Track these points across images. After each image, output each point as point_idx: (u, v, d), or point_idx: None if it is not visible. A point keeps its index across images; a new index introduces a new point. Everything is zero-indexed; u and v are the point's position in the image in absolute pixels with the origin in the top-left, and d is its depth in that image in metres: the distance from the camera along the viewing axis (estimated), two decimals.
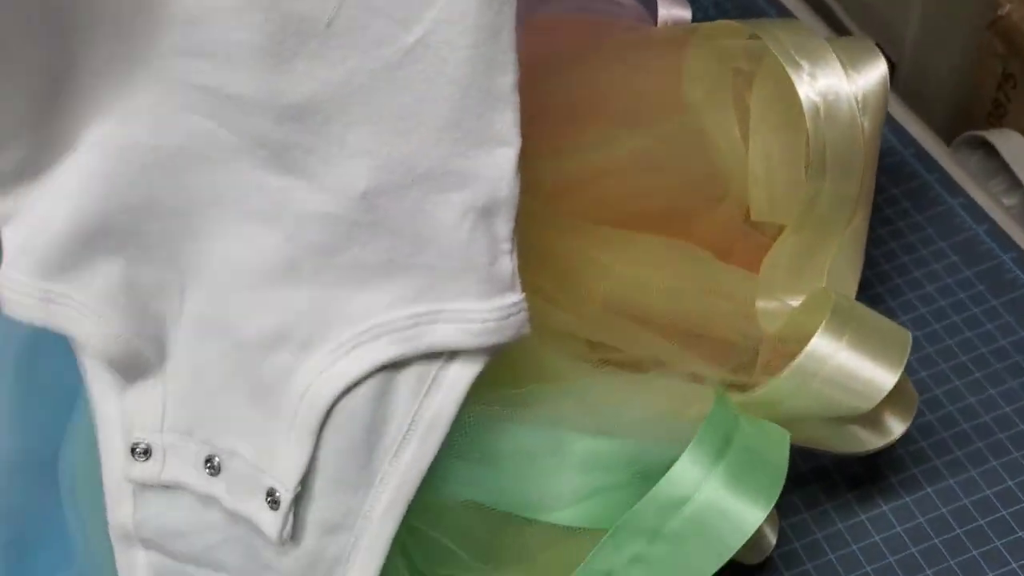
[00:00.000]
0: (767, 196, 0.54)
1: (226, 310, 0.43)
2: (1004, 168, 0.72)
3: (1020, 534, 0.54)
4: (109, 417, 0.44)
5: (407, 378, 0.42)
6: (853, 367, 0.48)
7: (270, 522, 0.42)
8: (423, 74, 0.38)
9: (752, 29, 0.54)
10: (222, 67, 0.40)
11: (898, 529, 0.56)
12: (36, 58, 0.40)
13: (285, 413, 0.42)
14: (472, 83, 0.38)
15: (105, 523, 0.46)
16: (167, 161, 0.42)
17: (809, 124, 0.51)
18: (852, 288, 0.55)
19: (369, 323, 0.41)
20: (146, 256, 0.43)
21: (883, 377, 0.48)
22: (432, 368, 0.42)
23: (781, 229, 0.54)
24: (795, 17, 0.76)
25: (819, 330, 0.48)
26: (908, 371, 0.50)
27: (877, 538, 0.55)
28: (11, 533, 0.55)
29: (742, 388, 0.50)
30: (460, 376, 0.42)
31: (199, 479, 0.43)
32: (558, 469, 0.45)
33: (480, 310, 0.41)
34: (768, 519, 0.46)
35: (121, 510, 0.45)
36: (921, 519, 0.56)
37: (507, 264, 0.41)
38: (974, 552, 0.54)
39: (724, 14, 0.78)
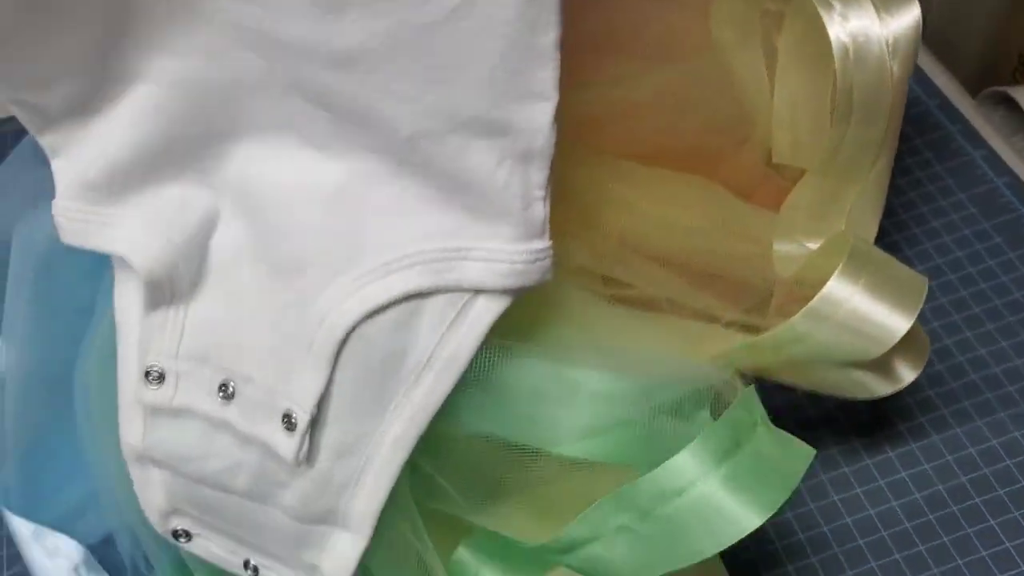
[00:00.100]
0: (790, 139, 0.53)
1: (266, 235, 0.43)
2: None
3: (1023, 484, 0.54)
4: (129, 339, 0.44)
5: (430, 311, 0.41)
6: (867, 311, 0.47)
7: (286, 444, 0.42)
8: (468, 31, 0.37)
9: None
10: (273, 13, 0.39)
11: (903, 474, 0.55)
12: (97, 2, 0.40)
13: (305, 337, 0.41)
14: (515, 41, 0.37)
15: (116, 440, 0.46)
16: (221, 92, 0.42)
17: (837, 66, 0.50)
18: (872, 233, 0.54)
19: (401, 252, 0.41)
20: (197, 180, 0.43)
21: (897, 322, 0.47)
22: (456, 304, 0.41)
23: (802, 173, 0.53)
24: None
25: (835, 273, 0.47)
26: (920, 320, 0.49)
27: (881, 482, 0.55)
28: (26, 446, 0.56)
29: (755, 330, 0.49)
30: (482, 315, 0.41)
31: (211, 405, 0.43)
32: (568, 404, 0.44)
33: (510, 252, 0.41)
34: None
35: (132, 431, 0.45)
36: (926, 465, 0.56)
37: (539, 211, 0.41)
38: (977, 500, 0.54)
39: None
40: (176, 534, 0.47)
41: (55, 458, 0.54)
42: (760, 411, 0.44)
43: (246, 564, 0.47)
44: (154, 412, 0.44)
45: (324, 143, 0.42)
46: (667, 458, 0.42)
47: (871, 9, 0.50)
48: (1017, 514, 0.53)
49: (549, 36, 0.38)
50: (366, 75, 0.39)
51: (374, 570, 0.46)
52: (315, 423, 0.42)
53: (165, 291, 0.43)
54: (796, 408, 0.59)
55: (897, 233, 0.65)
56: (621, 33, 0.53)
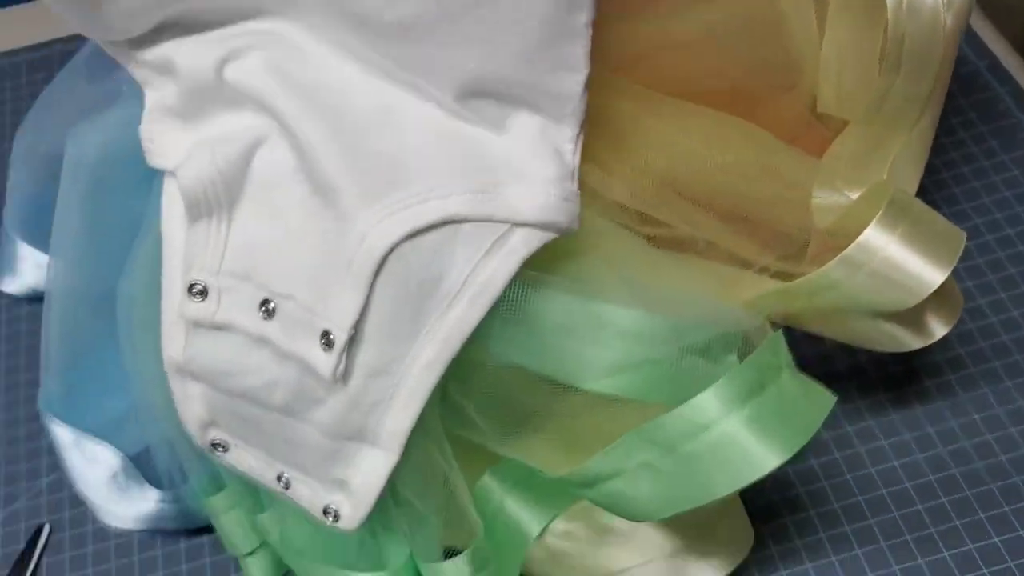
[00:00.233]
0: (836, 89, 0.52)
1: (310, 155, 0.42)
2: None
3: None
4: (174, 254, 0.44)
5: (467, 239, 0.41)
6: (902, 261, 0.46)
7: (324, 362, 0.42)
8: (510, 9, 0.39)
9: None
10: None
11: (929, 430, 0.55)
12: None
13: (345, 257, 0.41)
14: (552, 19, 0.39)
15: (157, 353, 0.46)
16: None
17: (890, 15, 0.48)
18: (913, 187, 0.52)
19: (442, 180, 0.41)
20: (254, 108, 0.43)
21: (931, 274, 0.46)
22: (493, 234, 0.41)
23: (846, 123, 0.52)
24: None
25: (873, 221, 0.46)
26: (955, 278, 0.48)
27: (907, 435, 0.55)
28: (70, 356, 0.57)
29: (788, 277, 0.48)
30: (518, 247, 0.41)
31: (253, 321, 0.43)
32: (597, 340, 0.44)
33: (544, 187, 0.42)
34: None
35: (173, 345, 0.45)
36: (952, 421, 0.55)
37: (569, 159, 0.43)
38: (1002, 457, 0.54)
39: None
40: (214, 445, 0.47)
41: (98, 369, 0.55)
42: (786, 355, 0.44)
43: (279, 477, 0.47)
44: (196, 326, 0.44)
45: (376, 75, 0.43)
46: (690, 398, 0.42)
47: None
48: None
49: (583, 16, 0.40)
50: (413, 45, 0.42)
51: (401, 490, 0.46)
52: (351, 342, 0.42)
53: (205, 209, 0.43)
54: (825, 359, 0.58)
55: (936, 192, 0.64)
56: None
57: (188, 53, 0.44)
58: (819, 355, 0.58)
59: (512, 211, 0.41)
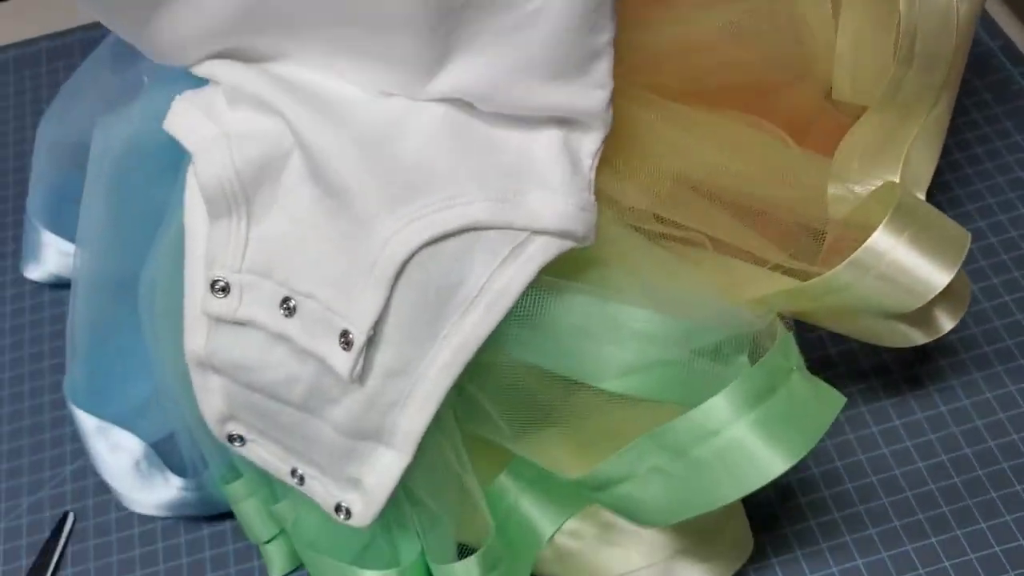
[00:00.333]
0: (850, 77, 0.51)
1: (327, 164, 0.42)
2: None
3: None
4: (196, 248, 0.44)
5: (485, 246, 0.41)
6: (909, 264, 0.46)
7: (343, 361, 0.42)
8: (538, 33, 0.40)
9: None
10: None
11: (942, 409, 0.55)
12: None
13: (366, 259, 0.41)
14: (577, 41, 0.41)
15: (176, 343, 0.46)
16: None
17: (902, 9, 0.48)
18: (928, 176, 0.52)
19: (464, 187, 0.41)
20: (272, 110, 0.43)
21: (937, 277, 0.46)
22: (512, 242, 0.41)
23: (861, 108, 0.52)
24: None
25: (881, 225, 0.46)
26: (971, 259, 0.48)
27: (920, 415, 0.55)
28: (95, 347, 0.57)
29: (801, 275, 0.48)
30: (534, 255, 0.42)
31: (273, 318, 0.43)
32: (611, 341, 0.44)
33: (562, 197, 0.42)
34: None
35: (195, 339, 0.45)
36: (965, 401, 0.55)
37: (587, 171, 0.43)
38: (1015, 436, 0.54)
39: None
40: (231, 438, 0.47)
41: (122, 357, 0.55)
42: (796, 357, 0.44)
43: (293, 472, 0.47)
44: (218, 321, 0.44)
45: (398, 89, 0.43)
46: (704, 398, 0.42)
47: None
48: None
49: (605, 36, 0.41)
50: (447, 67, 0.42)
51: (415, 490, 0.46)
52: (370, 343, 0.42)
53: (224, 208, 0.43)
54: (828, 364, 0.58)
55: (950, 172, 0.63)
56: None
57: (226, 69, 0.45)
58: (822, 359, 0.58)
59: (532, 219, 0.42)
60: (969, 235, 0.48)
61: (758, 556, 0.52)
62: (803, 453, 0.41)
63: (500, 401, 0.45)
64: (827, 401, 0.43)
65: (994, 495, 0.52)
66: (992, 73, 0.67)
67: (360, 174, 0.41)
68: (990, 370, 0.56)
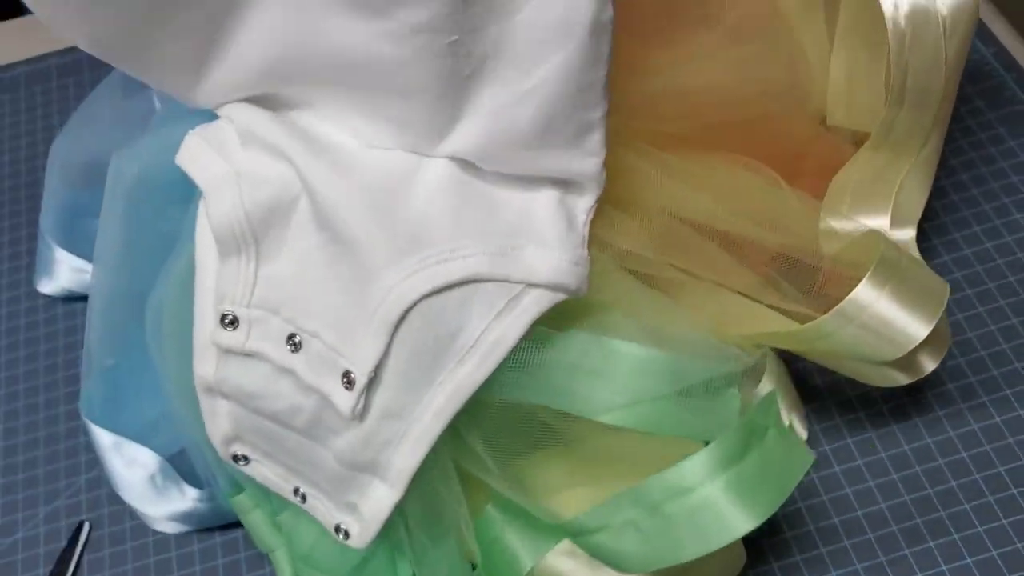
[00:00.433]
0: (844, 104, 0.52)
1: (335, 214, 0.43)
2: None
3: None
4: (207, 280, 0.46)
5: (482, 298, 0.42)
6: (890, 316, 0.48)
7: (345, 400, 0.43)
8: (532, 110, 0.42)
9: None
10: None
11: (928, 440, 0.54)
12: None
13: (370, 305, 0.42)
14: (569, 117, 0.42)
15: (184, 363, 0.47)
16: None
17: (893, 51, 0.48)
18: (918, 211, 0.53)
19: (465, 241, 0.42)
20: (282, 155, 0.45)
21: (916, 329, 0.48)
22: (508, 294, 0.43)
23: (855, 133, 0.53)
24: None
25: (864, 279, 0.47)
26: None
27: (906, 447, 0.54)
28: (110, 363, 0.57)
29: (800, 316, 0.49)
30: (529, 308, 0.43)
31: (280, 353, 0.44)
32: (606, 376, 0.45)
33: (557, 252, 0.43)
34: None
35: (205, 366, 0.46)
36: (952, 432, 0.55)
37: (581, 227, 0.45)
38: (1000, 468, 0.53)
39: None
40: (236, 458, 0.48)
41: (136, 374, 0.56)
42: (776, 415, 0.45)
43: (296, 491, 0.48)
44: (227, 352, 0.45)
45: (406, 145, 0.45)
46: (695, 430, 0.44)
47: None
48: None
49: (597, 112, 0.43)
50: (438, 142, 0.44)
51: (409, 518, 0.47)
52: (369, 384, 0.43)
53: (233, 247, 0.44)
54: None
55: (956, 193, 0.63)
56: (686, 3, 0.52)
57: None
58: (809, 390, 0.57)
59: (528, 272, 0.43)
60: (948, 287, 0.49)
61: (759, 562, 0.52)
62: (770, 512, 0.42)
63: (489, 436, 0.46)
64: (797, 459, 0.45)
65: (980, 529, 0.52)
66: (985, 79, 0.67)
67: (367, 225, 0.42)
68: (976, 400, 0.56)
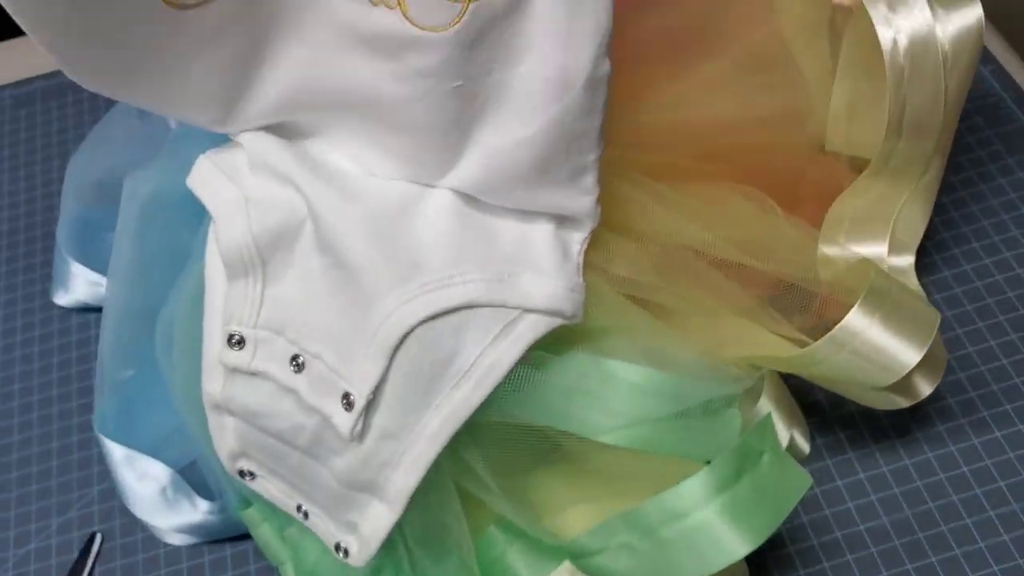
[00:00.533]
0: (844, 132, 0.52)
1: (339, 241, 0.44)
2: None
3: None
4: (215, 300, 0.46)
5: (480, 323, 0.43)
6: (881, 344, 0.48)
7: (344, 421, 0.43)
8: (528, 155, 0.43)
9: None
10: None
11: (929, 455, 0.55)
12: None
13: (369, 329, 0.43)
14: (566, 160, 0.44)
15: (192, 378, 0.48)
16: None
17: (891, 85, 0.49)
18: (917, 239, 0.53)
19: (462, 268, 0.43)
20: (291, 182, 0.45)
21: (907, 356, 0.48)
22: (504, 320, 0.43)
23: (854, 158, 0.53)
24: None
25: (855, 307, 0.47)
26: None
27: (907, 461, 0.55)
28: (122, 377, 0.58)
29: (799, 341, 0.49)
30: (524, 333, 0.43)
31: (284, 373, 0.45)
32: (606, 397, 0.45)
33: (552, 279, 0.44)
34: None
35: (213, 384, 0.47)
36: (952, 446, 0.55)
37: (576, 257, 0.46)
38: (1001, 483, 0.53)
39: None
40: (242, 473, 0.49)
41: (148, 387, 0.56)
42: (771, 438, 0.45)
43: (299, 508, 0.49)
44: (233, 371, 0.46)
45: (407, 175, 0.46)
46: (694, 450, 0.44)
47: (931, 23, 0.49)
48: None
49: (591, 156, 0.44)
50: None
51: (409, 537, 0.48)
52: (368, 405, 0.43)
53: (241, 270, 0.45)
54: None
55: (956, 210, 0.63)
56: (689, 32, 0.52)
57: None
58: (810, 405, 0.57)
59: (524, 298, 0.43)
60: (939, 315, 0.49)
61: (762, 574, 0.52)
62: (766, 536, 0.43)
63: (489, 455, 0.47)
64: (793, 482, 0.45)
65: (982, 545, 0.52)
66: (983, 98, 0.67)
67: (370, 252, 0.43)
68: (976, 415, 0.56)
